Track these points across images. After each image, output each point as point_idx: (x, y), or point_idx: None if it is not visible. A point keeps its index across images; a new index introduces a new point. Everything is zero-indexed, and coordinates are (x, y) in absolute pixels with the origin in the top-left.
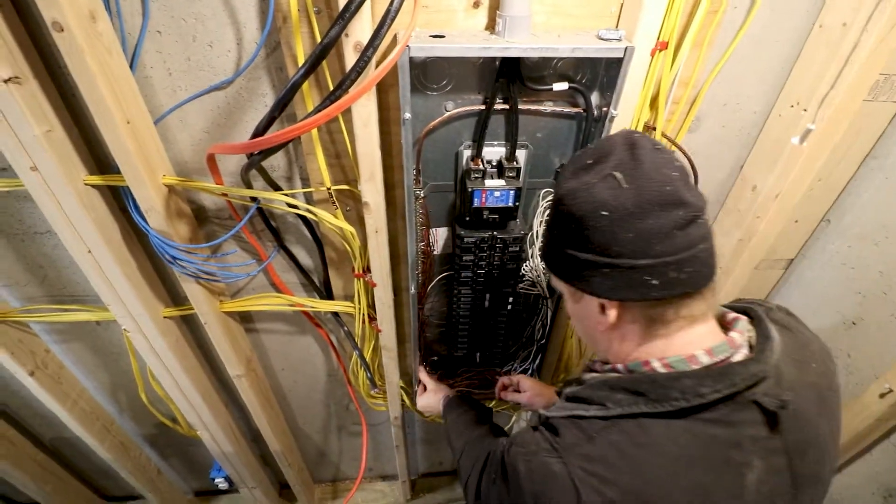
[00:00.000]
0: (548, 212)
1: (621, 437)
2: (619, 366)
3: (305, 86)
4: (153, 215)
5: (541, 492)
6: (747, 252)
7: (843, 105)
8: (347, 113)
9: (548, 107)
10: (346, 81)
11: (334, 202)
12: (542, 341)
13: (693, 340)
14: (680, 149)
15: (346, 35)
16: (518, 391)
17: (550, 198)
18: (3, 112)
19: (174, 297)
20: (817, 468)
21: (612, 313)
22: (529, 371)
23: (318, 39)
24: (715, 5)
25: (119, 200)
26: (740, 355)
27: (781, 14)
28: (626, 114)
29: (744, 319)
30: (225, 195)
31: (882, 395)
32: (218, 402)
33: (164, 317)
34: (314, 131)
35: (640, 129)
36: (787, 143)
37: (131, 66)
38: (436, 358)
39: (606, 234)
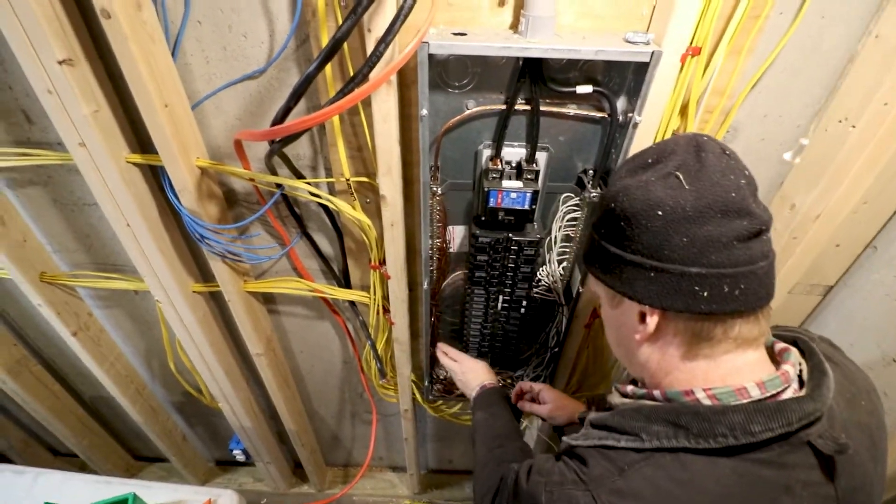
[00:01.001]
0: (571, 215)
1: (657, 472)
2: (656, 392)
3: (330, 78)
4: (185, 195)
5: None
6: (782, 274)
7: None
8: (369, 107)
9: (571, 109)
10: (358, 76)
11: (352, 193)
12: (556, 349)
13: (741, 369)
14: None
15: (369, 30)
16: (536, 401)
17: (573, 203)
18: (57, 91)
19: (204, 274)
20: None
21: (653, 322)
22: (542, 378)
23: None
24: (757, 10)
25: (157, 180)
26: (791, 391)
27: (832, 21)
28: (652, 121)
29: (794, 351)
30: (252, 180)
31: None
32: (239, 377)
33: (194, 291)
34: (336, 123)
35: (667, 135)
36: (833, 160)
37: (173, 54)
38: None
39: (659, 236)
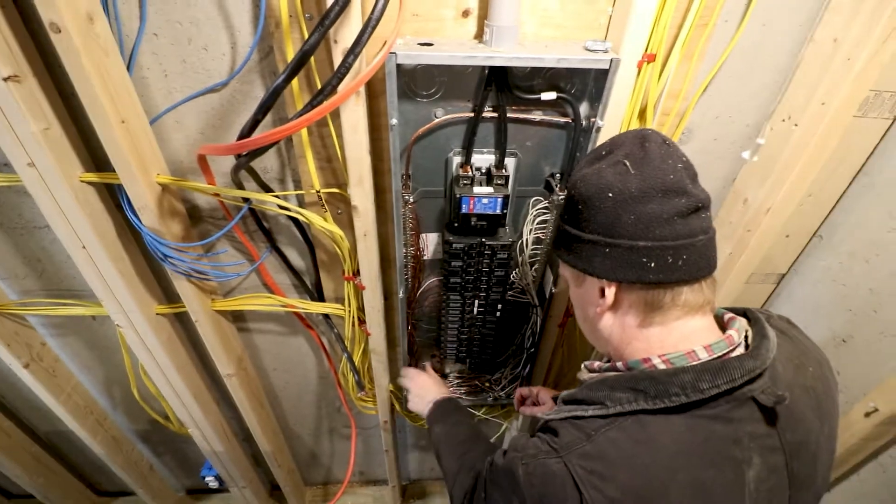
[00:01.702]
0: (541, 218)
1: (620, 434)
2: (619, 364)
3: (297, 90)
4: (146, 213)
5: (541, 494)
6: (738, 265)
7: (834, 120)
8: (338, 118)
9: (537, 116)
10: (327, 87)
11: (324, 205)
12: (532, 350)
13: (691, 334)
14: None
15: (336, 42)
16: (536, 403)
17: (542, 206)
18: (2, 109)
19: (168, 294)
20: (810, 471)
21: (611, 294)
22: (520, 379)
23: None
24: (704, 19)
25: (115, 198)
26: (737, 353)
27: (773, 28)
28: (613, 124)
29: (741, 319)
30: (217, 195)
31: (867, 415)
32: (209, 400)
33: (157, 314)
34: (304, 135)
35: None
36: (779, 157)
37: (128, 68)
38: (427, 363)
39: (610, 216)
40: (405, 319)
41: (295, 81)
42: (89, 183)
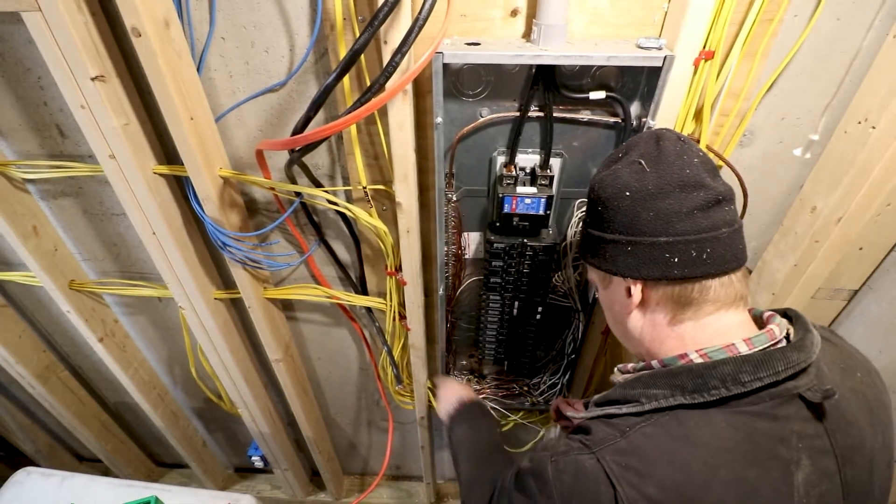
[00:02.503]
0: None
1: (657, 430)
2: (654, 362)
3: (348, 89)
4: (209, 204)
5: (571, 490)
6: (804, 278)
7: None
8: (385, 116)
9: (585, 115)
10: (374, 85)
11: (369, 200)
12: (573, 356)
13: (727, 329)
14: (728, 165)
15: (385, 42)
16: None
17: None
18: (89, 105)
19: (225, 281)
20: (867, 480)
21: (637, 293)
22: (559, 385)
23: None
24: (770, 14)
25: (182, 190)
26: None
27: (848, 24)
28: (666, 124)
29: (782, 318)
30: (272, 189)
31: None
32: (258, 383)
33: (215, 298)
34: (353, 132)
35: None
36: (854, 162)
37: (198, 69)
38: (464, 362)
39: (629, 214)
40: (444, 317)
41: (346, 80)
42: (160, 175)
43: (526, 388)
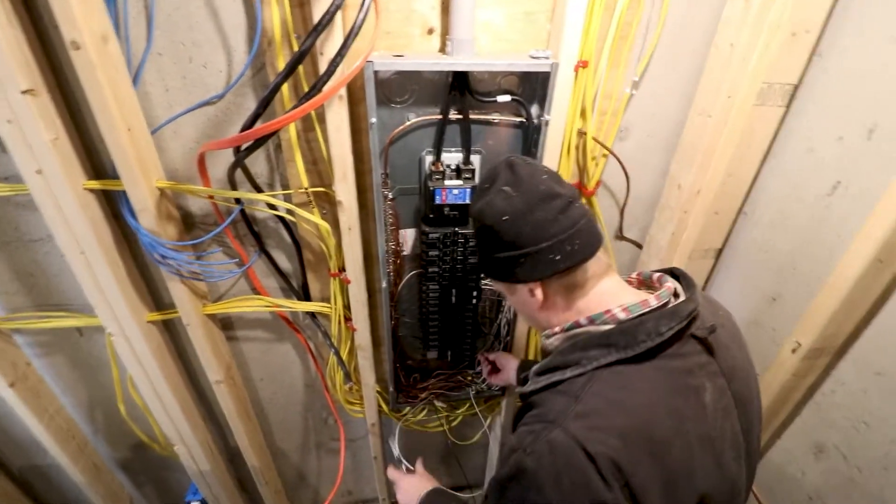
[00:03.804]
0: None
1: (602, 385)
2: (581, 319)
3: (287, 96)
4: (145, 216)
5: (557, 471)
6: (681, 244)
7: (739, 110)
8: (323, 122)
9: (496, 117)
10: (319, 83)
11: (311, 201)
12: (508, 337)
13: (610, 291)
14: (611, 152)
15: (322, 53)
16: (498, 369)
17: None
18: (19, 120)
19: (157, 302)
20: (747, 391)
21: (539, 292)
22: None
23: None
24: (624, 31)
25: (112, 206)
26: (675, 300)
27: (681, 38)
28: (559, 121)
29: (669, 277)
30: (211, 197)
31: (793, 351)
32: (196, 414)
33: (148, 321)
34: (293, 138)
35: (573, 134)
36: (700, 145)
37: (134, 83)
38: (409, 362)
39: (512, 233)
40: (388, 312)
41: (285, 89)
42: (90, 190)
43: (470, 378)
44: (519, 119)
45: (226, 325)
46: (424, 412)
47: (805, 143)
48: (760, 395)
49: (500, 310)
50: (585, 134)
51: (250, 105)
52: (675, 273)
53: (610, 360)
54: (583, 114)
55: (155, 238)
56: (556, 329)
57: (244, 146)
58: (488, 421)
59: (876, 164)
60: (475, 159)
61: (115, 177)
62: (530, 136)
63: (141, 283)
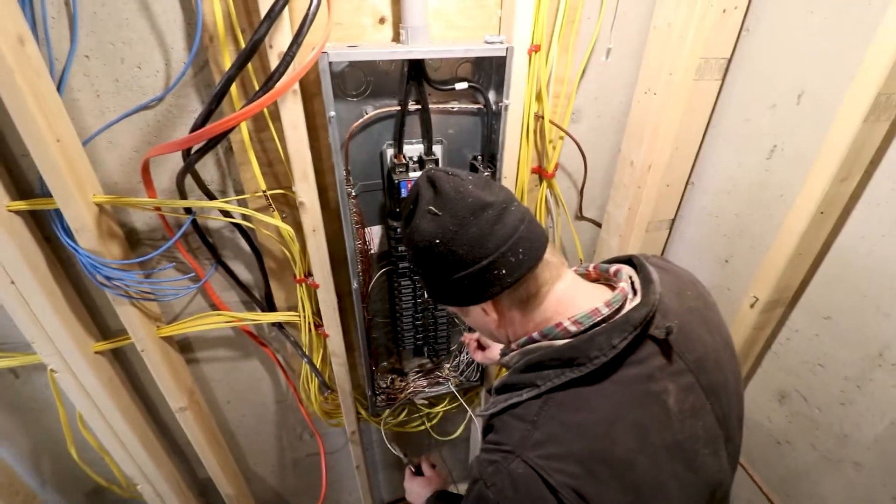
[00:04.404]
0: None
1: (558, 410)
2: (535, 334)
3: (236, 96)
4: (84, 235)
5: (519, 500)
6: (637, 218)
7: (681, 86)
8: (278, 121)
9: (455, 105)
10: (275, 75)
11: (271, 204)
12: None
13: (572, 296)
14: (568, 134)
15: (270, 46)
16: (483, 347)
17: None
18: None
19: (103, 331)
20: (719, 377)
21: (492, 311)
22: (474, 361)
23: None
24: (570, 16)
25: (43, 230)
26: (630, 301)
27: (623, 21)
28: (517, 105)
29: (625, 269)
30: (158, 209)
31: (751, 306)
32: (159, 448)
33: (95, 352)
34: (246, 139)
35: (531, 118)
36: (647, 122)
37: (59, 90)
38: (385, 363)
39: (447, 255)
40: (361, 314)
41: (234, 89)
42: (16, 212)
43: (448, 372)
44: (477, 106)
45: (184, 347)
46: (405, 413)
47: (742, 113)
48: (739, 370)
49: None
50: (542, 118)
51: (194, 107)
52: (632, 262)
53: (564, 381)
54: (538, 97)
55: (97, 259)
56: (513, 346)
57: (195, 148)
58: (469, 414)
59: (807, 126)
60: (437, 149)
61: (45, 195)
62: (489, 123)
63: (83, 310)
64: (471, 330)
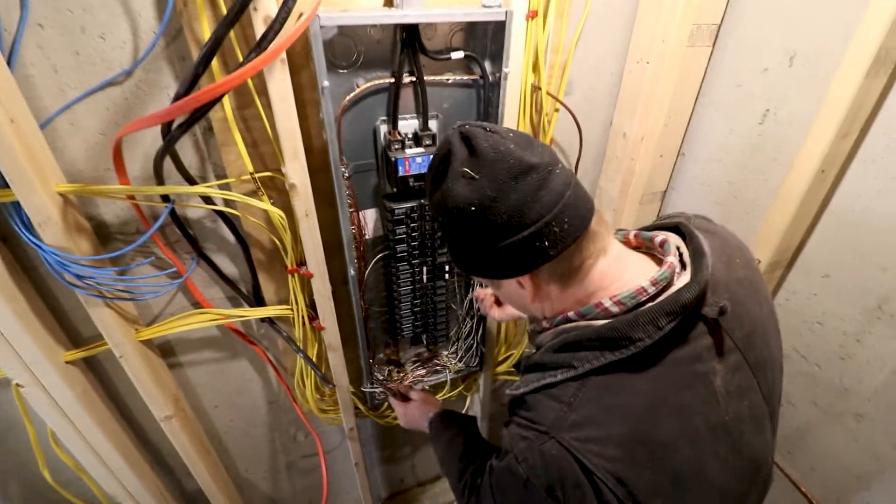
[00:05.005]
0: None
1: (597, 392)
2: (571, 313)
3: (217, 69)
4: (49, 229)
5: (551, 480)
6: (631, 190)
7: (674, 54)
8: (263, 96)
9: (449, 77)
10: (269, 33)
11: (259, 187)
12: (480, 311)
13: (608, 274)
14: (565, 106)
15: (255, 9)
16: (500, 302)
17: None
18: None
19: (73, 338)
20: (766, 352)
21: (529, 284)
22: (475, 343)
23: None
24: None
25: None
26: (678, 277)
27: None
28: (516, 74)
29: (672, 240)
30: (132, 197)
31: None
32: (142, 462)
33: (66, 362)
34: (230, 115)
35: (528, 89)
36: (640, 92)
37: (9, 64)
38: (382, 355)
39: (484, 225)
40: (358, 302)
41: (215, 62)
42: None
43: (447, 359)
44: (472, 78)
45: (165, 351)
46: None
47: (733, 79)
48: (780, 340)
49: (472, 284)
50: (539, 89)
51: (167, 82)
52: (679, 229)
53: (603, 363)
54: (535, 67)
55: (64, 255)
56: (545, 324)
57: (177, 123)
58: (468, 399)
59: (800, 87)
60: (433, 125)
61: None
62: (486, 95)
63: (49, 317)
64: (483, 284)
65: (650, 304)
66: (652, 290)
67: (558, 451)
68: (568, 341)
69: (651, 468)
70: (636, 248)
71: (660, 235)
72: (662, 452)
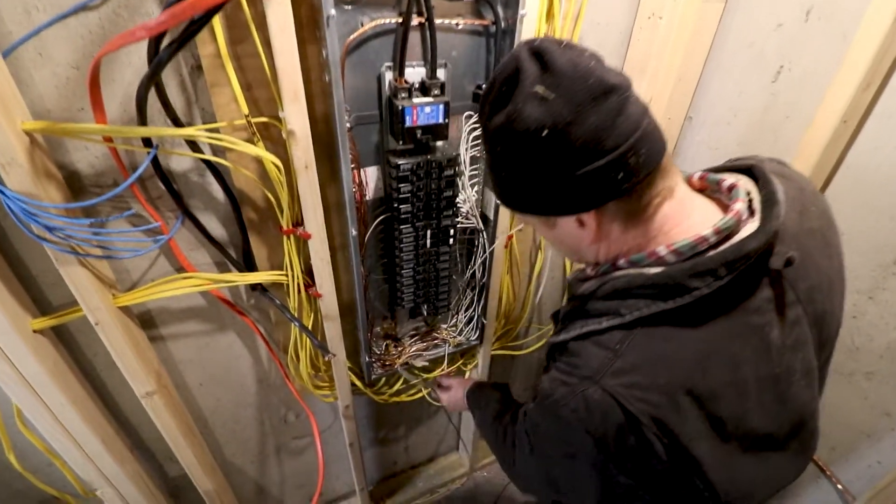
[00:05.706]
0: (475, 133)
1: (645, 339)
2: (621, 261)
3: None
4: (14, 172)
5: (594, 425)
6: None
7: (688, 6)
8: (260, 29)
9: (459, 22)
10: None
11: (255, 132)
12: (484, 279)
13: (682, 216)
14: None
15: None
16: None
17: (474, 121)
18: None
19: (41, 305)
20: (828, 305)
21: (592, 223)
22: (475, 316)
23: None
24: None
25: None
26: (744, 224)
27: None
28: (532, 17)
29: (741, 185)
30: (110, 139)
31: None
32: (121, 444)
33: (34, 330)
34: (223, 49)
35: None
36: (651, 51)
37: None
38: (378, 329)
39: (556, 153)
40: (359, 267)
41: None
42: None
43: (446, 333)
44: (483, 24)
45: (145, 322)
46: (401, 381)
47: (745, 38)
48: (844, 294)
49: (475, 252)
50: None
51: (149, 8)
52: (754, 172)
53: (654, 311)
54: (549, 14)
55: (32, 202)
56: (590, 271)
57: (165, 42)
58: (468, 371)
59: (817, 42)
60: (441, 74)
61: None
62: (497, 44)
63: (14, 281)
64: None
65: (711, 251)
66: (713, 239)
67: (601, 396)
68: (618, 287)
69: (694, 415)
70: (700, 191)
71: (729, 179)
72: (705, 400)
